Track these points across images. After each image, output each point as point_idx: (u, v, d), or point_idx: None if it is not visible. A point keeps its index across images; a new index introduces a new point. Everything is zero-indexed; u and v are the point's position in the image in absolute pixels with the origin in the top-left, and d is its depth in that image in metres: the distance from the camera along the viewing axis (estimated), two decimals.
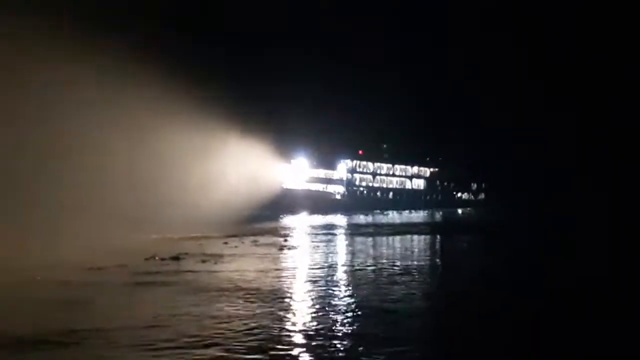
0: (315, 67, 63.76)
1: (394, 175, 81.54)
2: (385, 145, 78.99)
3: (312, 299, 11.35)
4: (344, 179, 72.66)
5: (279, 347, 7.83)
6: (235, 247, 21.13)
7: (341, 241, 26.13)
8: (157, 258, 17.26)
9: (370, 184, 77.38)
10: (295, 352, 7.64)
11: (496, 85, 79.02)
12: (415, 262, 18.37)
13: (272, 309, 10.24)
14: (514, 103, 79.02)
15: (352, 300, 11.25)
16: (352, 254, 20.94)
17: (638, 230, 27.97)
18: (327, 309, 10.34)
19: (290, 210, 49.40)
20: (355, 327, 9.05)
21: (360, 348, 7.78)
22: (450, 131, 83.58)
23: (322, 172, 68.73)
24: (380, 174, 79.11)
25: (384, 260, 18.16)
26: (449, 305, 11.61)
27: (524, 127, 76.50)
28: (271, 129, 50.74)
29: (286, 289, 12.64)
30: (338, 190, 71.11)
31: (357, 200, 69.74)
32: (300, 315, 9.92)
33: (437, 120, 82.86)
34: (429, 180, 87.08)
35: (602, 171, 58.70)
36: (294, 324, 9.18)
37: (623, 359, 7.85)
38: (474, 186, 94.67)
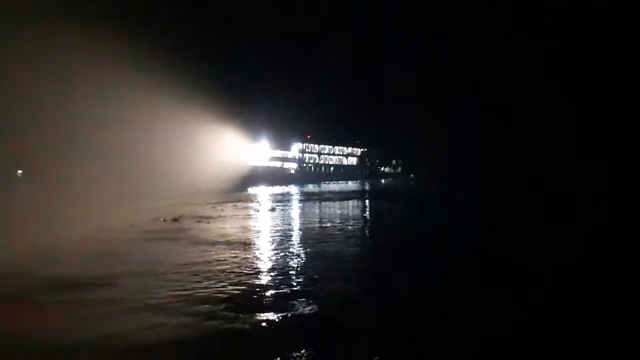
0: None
1: (334, 154, 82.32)
2: (327, 131, 78.65)
3: (285, 247, 11.96)
4: (297, 157, 72.84)
5: (260, 277, 8.64)
6: (221, 210, 21.24)
7: (301, 205, 26.37)
8: (161, 220, 17.30)
9: (317, 162, 78.24)
10: (273, 279, 8.45)
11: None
12: (356, 219, 18.83)
13: (255, 255, 10.93)
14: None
15: (313, 246, 11.98)
16: (310, 214, 21.25)
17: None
18: (296, 253, 11.17)
19: (255, 183, 49.44)
20: (312, 265, 9.81)
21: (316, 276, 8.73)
22: (378, 120, 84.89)
23: (279, 152, 68.39)
24: (324, 153, 79.86)
25: (337, 219, 18.58)
26: (376, 249, 12.64)
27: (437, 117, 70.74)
28: (241, 116, 50.38)
29: (265, 240, 13.14)
30: (292, 166, 71.20)
31: (306, 174, 70.10)
32: (276, 258, 10.62)
33: (368, 111, 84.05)
34: (360, 157, 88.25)
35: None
36: (271, 263, 9.92)
37: None
38: (394, 162, 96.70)
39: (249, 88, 54.35)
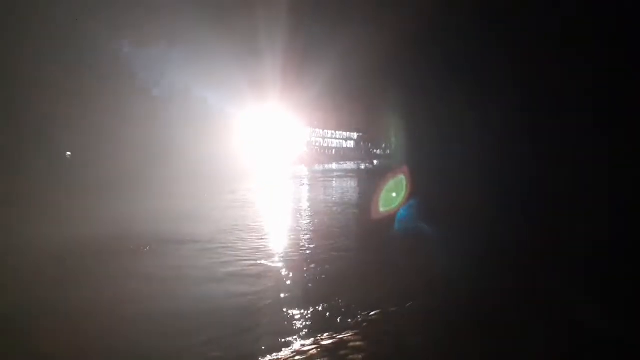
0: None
1: (334, 138, 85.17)
2: (330, 117, 79.40)
3: (329, 209, 13.56)
4: (305, 141, 75.01)
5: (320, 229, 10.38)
6: (268, 186, 22.81)
7: (320, 181, 27.33)
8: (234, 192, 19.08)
9: (321, 145, 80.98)
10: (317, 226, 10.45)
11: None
12: (355, 187, 20.11)
13: (309, 217, 12.06)
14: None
15: (340, 203, 14.55)
16: (328, 187, 22.61)
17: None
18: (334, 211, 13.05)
19: (275, 163, 50.94)
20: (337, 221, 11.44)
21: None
22: (371, 110, 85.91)
23: (291, 137, 69.81)
24: (327, 137, 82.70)
25: (346, 190, 20.29)
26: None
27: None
28: (264, 108, 51.33)
29: (316, 206, 14.24)
30: (302, 149, 73.57)
31: (313, 156, 71.63)
32: (324, 216, 12.12)
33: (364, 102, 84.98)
34: (356, 141, 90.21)
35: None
36: (320, 219, 11.61)
37: None
38: (384, 145, 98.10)
39: (270, 85, 54.69)
